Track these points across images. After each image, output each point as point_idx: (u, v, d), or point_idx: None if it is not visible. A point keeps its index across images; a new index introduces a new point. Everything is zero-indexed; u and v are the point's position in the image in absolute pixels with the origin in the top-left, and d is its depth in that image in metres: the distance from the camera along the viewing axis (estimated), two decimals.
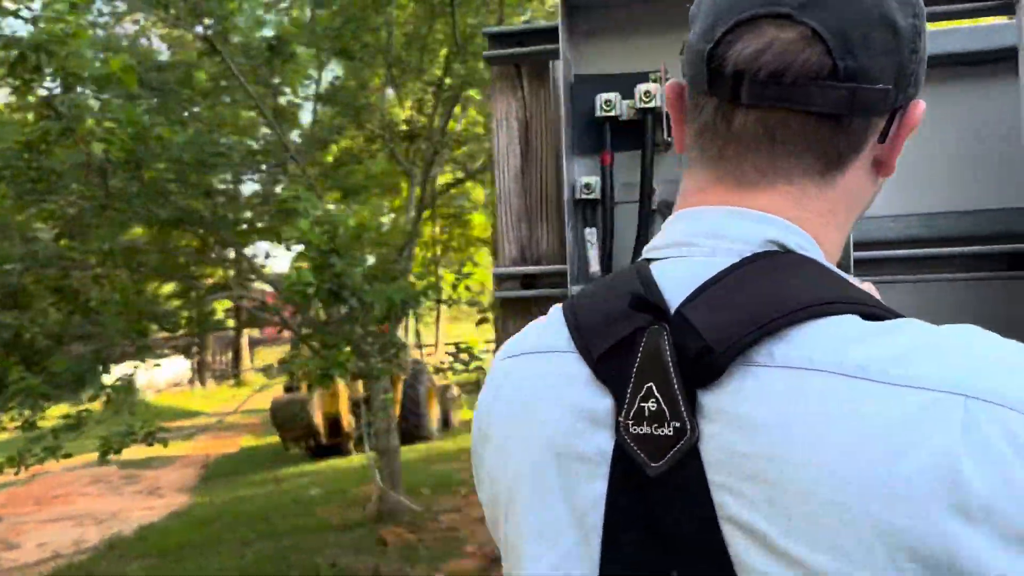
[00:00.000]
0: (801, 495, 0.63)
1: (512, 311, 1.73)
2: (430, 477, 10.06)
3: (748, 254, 0.74)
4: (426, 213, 8.09)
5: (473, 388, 17.47)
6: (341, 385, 12.09)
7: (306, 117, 7.68)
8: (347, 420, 12.68)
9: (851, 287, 0.73)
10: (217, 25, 6.31)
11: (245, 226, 7.44)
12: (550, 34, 1.69)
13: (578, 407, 0.75)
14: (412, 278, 7.07)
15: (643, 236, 1.53)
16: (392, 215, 9.52)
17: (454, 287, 5.79)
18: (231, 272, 6.89)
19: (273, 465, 12.14)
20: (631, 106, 1.56)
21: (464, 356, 6.49)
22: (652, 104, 1.50)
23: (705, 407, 0.68)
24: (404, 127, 7.45)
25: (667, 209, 1.25)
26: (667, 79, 1.53)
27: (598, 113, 1.56)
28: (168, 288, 8.27)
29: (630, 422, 0.71)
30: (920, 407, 0.62)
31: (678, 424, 0.69)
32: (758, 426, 0.66)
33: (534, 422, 0.78)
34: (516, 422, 0.81)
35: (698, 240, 0.77)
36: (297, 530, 8.16)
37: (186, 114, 6.38)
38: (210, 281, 7.06)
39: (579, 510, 0.74)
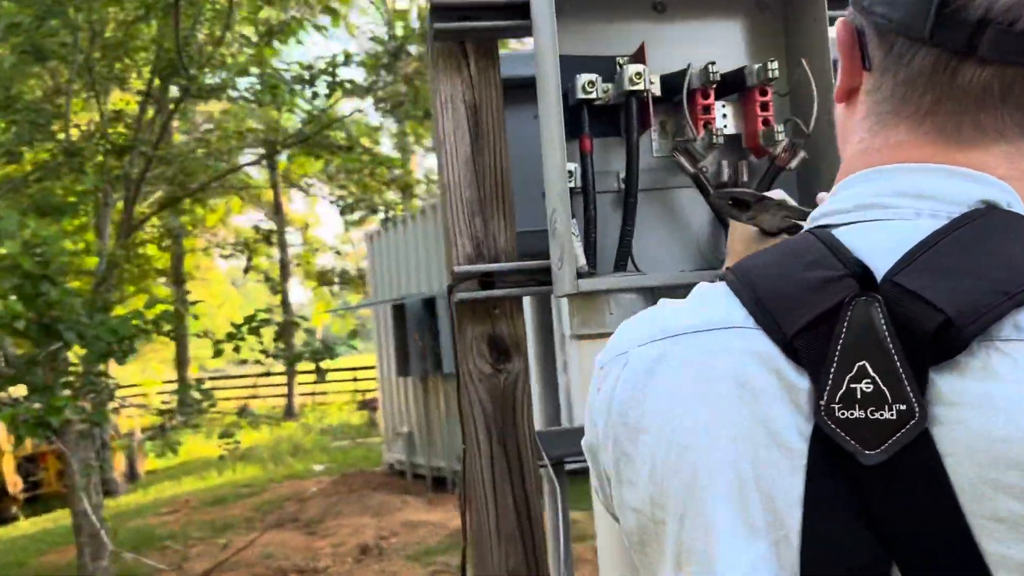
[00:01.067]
0: None
1: (470, 314, 1.55)
2: (129, 535, 8.92)
3: (957, 215, 0.68)
4: (135, 236, 7.22)
5: (157, 433, 15.86)
6: (3, 441, 10.39)
7: None
8: (13, 481, 10.88)
9: None
10: None
11: None
12: (503, 10, 1.55)
13: (773, 389, 0.66)
14: (120, 309, 6.25)
15: (629, 225, 1.45)
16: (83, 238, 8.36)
17: (196, 317, 5.19)
18: None
19: None
20: (605, 91, 1.47)
21: (197, 396, 5.83)
22: (639, 87, 1.43)
23: (940, 388, 0.62)
24: (100, 139, 6.59)
25: (725, 202, 1.17)
26: (633, 60, 1.47)
27: (578, 95, 1.45)
28: None
29: (835, 405, 0.64)
30: None
31: (903, 407, 0.62)
32: (1020, 406, 0.59)
33: (719, 408, 0.68)
34: (691, 409, 0.70)
35: (895, 201, 0.71)
36: None
37: None
38: None
39: (779, 506, 0.65)
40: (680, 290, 1.57)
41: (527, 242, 1.64)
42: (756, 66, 1.45)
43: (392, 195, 9.81)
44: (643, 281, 1.38)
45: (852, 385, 0.64)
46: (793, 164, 1.44)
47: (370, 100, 10.28)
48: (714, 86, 1.45)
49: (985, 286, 0.62)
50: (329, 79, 5.39)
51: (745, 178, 1.51)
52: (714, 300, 0.75)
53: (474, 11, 1.54)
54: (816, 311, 0.66)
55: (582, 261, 1.43)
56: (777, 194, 1.16)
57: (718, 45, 1.56)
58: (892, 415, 0.62)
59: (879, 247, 0.67)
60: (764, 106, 1.46)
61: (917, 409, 0.61)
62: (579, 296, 1.38)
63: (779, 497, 0.66)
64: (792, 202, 1.15)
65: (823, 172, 1.46)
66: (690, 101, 1.45)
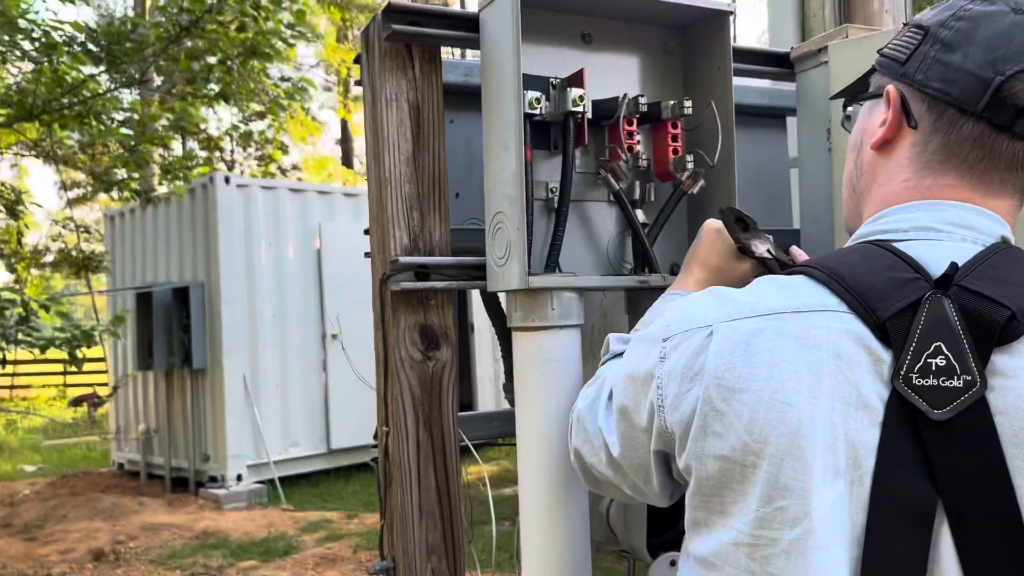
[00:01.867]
0: None
1: (405, 304, 1.63)
2: None
3: (990, 244, 0.96)
4: None
5: None
6: None
7: None
8: None
9: None
10: None
11: None
12: (451, 20, 1.66)
13: (865, 361, 0.88)
14: None
15: (561, 231, 1.61)
16: None
17: None
18: None
19: None
20: (545, 108, 1.62)
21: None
22: (579, 109, 1.59)
23: (997, 364, 0.85)
24: None
25: (732, 217, 1.39)
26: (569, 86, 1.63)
27: (524, 109, 1.58)
28: None
29: (914, 375, 0.86)
30: None
31: (968, 377, 0.84)
32: None
33: (820, 373, 0.88)
34: (794, 373, 0.89)
35: (947, 228, 0.97)
36: None
37: None
38: None
39: (859, 452, 0.87)
40: (605, 292, 1.76)
41: None
42: (671, 102, 1.68)
43: (122, 175, 9.06)
44: (580, 282, 1.54)
45: (928, 360, 0.86)
46: (695, 190, 1.68)
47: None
48: (637, 116, 1.65)
49: None
50: (115, 45, 4.96)
51: (652, 199, 1.73)
52: (803, 289, 0.94)
53: (424, 17, 1.63)
54: (904, 302, 0.88)
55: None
56: None
57: (627, 78, 1.77)
58: (959, 383, 0.85)
59: (939, 260, 0.91)
60: (675, 137, 1.69)
61: (979, 379, 0.84)
62: (524, 292, 1.52)
63: (859, 446, 0.86)
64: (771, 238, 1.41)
65: (714, 197, 1.72)
66: (617, 126, 1.65)
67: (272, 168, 16.83)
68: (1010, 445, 0.83)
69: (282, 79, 15.34)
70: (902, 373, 0.86)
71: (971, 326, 0.85)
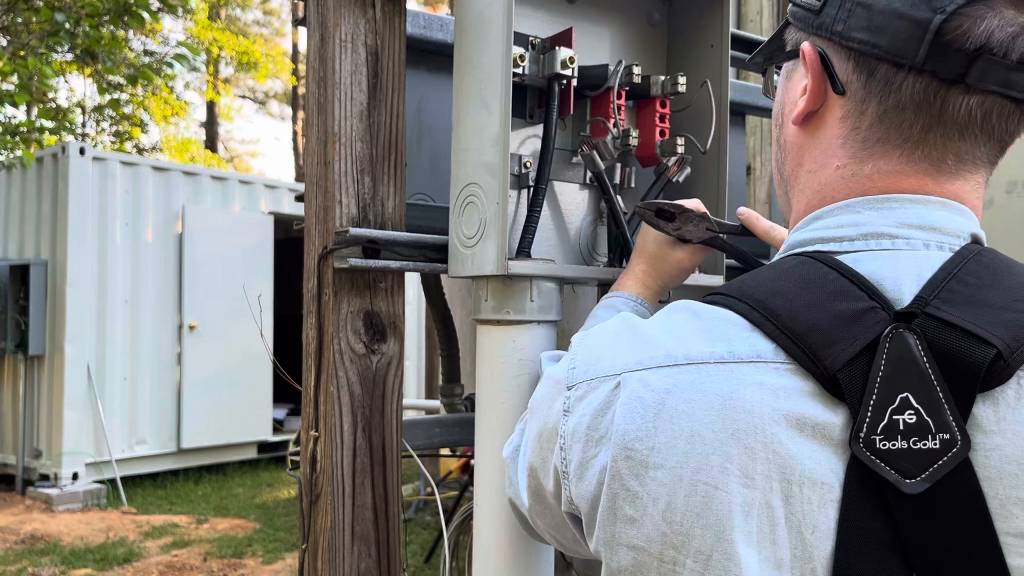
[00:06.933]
0: None
1: (348, 285, 1.35)
2: None
3: (958, 248, 0.73)
4: None
5: None
6: None
7: None
8: None
9: None
10: None
11: None
12: None
13: (805, 425, 0.67)
14: None
15: (537, 212, 1.39)
16: None
17: None
18: None
19: None
20: (527, 69, 1.40)
21: None
22: (569, 72, 1.38)
23: (978, 416, 0.65)
24: None
25: (650, 212, 1.22)
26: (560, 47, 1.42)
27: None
28: None
29: (876, 437, 0.65)
30: None
31: (946, 436, 0.64)
32: None
33: (744, 445, 0.68)
34: (720, 447, 0.68)
35: (903, 232, 0.73)
36: None
37: None
38: None
39: (807, 540, 0.67)
40: (587, 284, 1.55)
41: None
42: (662, 78, 1.49)
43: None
44: (564, 271, 1.32)
45: (895, 417, 0.65)
46: (680, 177, 1.50)
47: None
48: (627, 88, 1.45)
49: (1021, 319, 0.66)
50: None
51: (632, 184, 1.54)
52: (729, 330, 0.71)
53: None
54: (858, 345, 0.66)
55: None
56: (694, 203, 1.23)
57: (605, 48, 1.57)
58: (935, 444, 0.64)
59: (899, 276, 0.70)
60: (663, 117, 1.50)
61: (959, 437, 0.64)
62: (499, 279, 1.28)
63: (808, 532, 0.66)
64: (708, 213, 1.23)
65: (699, 187, 1.54)
66: (605, 99, 1.44)
67: (128, 147, 15.79)
68: (998, 519, 0.64)
69: (146, 52, 14.41)
70: (862, 436, 0.65)
71: (946, 369, 0.65)
